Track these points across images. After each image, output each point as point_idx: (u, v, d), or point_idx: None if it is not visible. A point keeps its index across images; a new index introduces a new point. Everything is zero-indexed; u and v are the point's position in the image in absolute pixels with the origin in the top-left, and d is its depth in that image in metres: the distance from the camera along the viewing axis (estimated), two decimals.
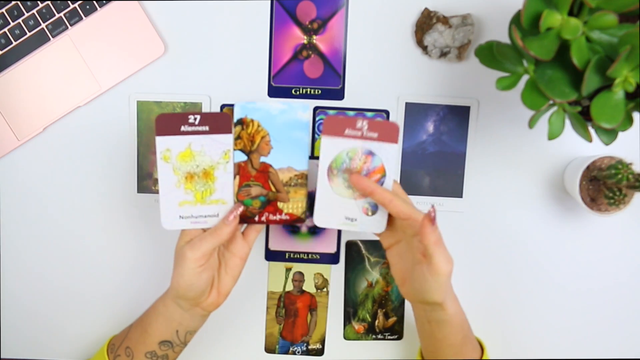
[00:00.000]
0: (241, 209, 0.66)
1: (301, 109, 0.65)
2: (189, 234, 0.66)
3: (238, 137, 0.65)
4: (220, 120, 0.65)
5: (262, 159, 0.66)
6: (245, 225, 0.69)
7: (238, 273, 0.68)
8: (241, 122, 0.65)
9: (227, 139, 0.65)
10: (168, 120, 0.64)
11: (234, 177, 0.66)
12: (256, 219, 0.67)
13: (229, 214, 0.65)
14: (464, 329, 0.68)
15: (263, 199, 0.66)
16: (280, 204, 0.67)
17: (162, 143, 0.65)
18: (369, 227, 0.66)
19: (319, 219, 0.66)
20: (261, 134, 0.65)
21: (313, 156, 0.81)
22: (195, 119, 0.64)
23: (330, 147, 0.64)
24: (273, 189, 0.66)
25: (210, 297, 0.67)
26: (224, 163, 0.65)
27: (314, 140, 0.81)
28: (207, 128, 0.65)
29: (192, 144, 0.65)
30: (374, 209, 0.66)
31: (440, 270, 0.61)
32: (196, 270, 0.64)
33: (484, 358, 0.71)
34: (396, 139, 0.64)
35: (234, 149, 0.65)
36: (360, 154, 0.63)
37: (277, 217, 0.67)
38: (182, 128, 0.64)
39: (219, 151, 0.65)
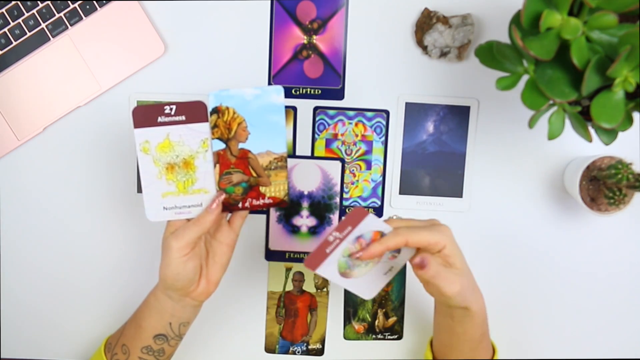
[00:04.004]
0: (223, 196, 0.66)
1: (275, 93, 0.65)
2: (174, 224, 0.66)
3: (215, 126, 0.65)
4: (195, 109, 0.65)
5: (241, 145, 0.66)
6: (230, 213, 0.69)
7: (226, 261, 0.68)
8: (216, 110, 0.65)
9: (204, 128, 0.65)
10: (145, 111, 0.64)
11: (214, 166, 0.66)
12: (240, 205, 0.67)
13: (212, 202, 0.65)
14: (484, 325, 0.68)
15: (245, 185, 0.67)
16: (262, 189, 0.67)
17: (141, 135, 0.65)
18: (404, 261, 0.66)
19: (368, 295, 0.65)
20: (237, 120, 0.65)
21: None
22: (171, 109, 0.64)
23: (327, 269, 0.61)
24: (254, 174, 0.67)
25: (199, 287, 0.67)
26: (203, 152, 0.66)
27: (314, 139, 0.81)
28: (183, 118, 0.65)
29: (170, 135, 0.65)
30: (396, 251, 0.65)
31: (448, 293, 0.61)
32: (181, 259, 0.64)
33: (495, 358, 0.71)
34: (365, 214, 0.61)
35: (212, 138, 0.65)
36: (352, 245, 0.61)
37: (260, 201, 0.67)
38: (159, 119, 0.65)
39: (197, 140, 0.65)
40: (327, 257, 0.59)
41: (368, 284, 0.64)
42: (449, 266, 0.62)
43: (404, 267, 0.83)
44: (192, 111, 0.65)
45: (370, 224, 0.60)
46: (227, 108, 0.65)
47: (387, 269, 0.65)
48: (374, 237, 0.61)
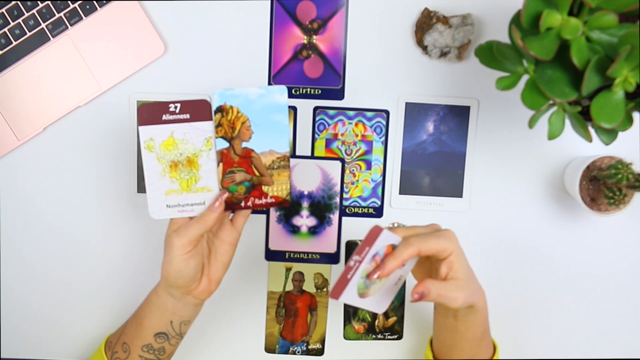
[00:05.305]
0: (226, 195, 0.66)
1: (279, 92, 0.65)
2: (177, 222, 0.67)
3: (219, 125, 0.65)
4: (200, 108, 0.65)
5: (244, 144, 0.66)
6: (232, 212, 0.69)
7: (228, 260, 0.68)
8: (220, 109, 0.65)
9: (208, 126, 0.66)
10: (150, 109, 0.65)
11: (218, 165, 0.66)
12: (242, 204, 0.67)
13: (215, 200, 0.66)
14: (486, 322, 0.68)
15: (248, 184, 0.67)
16: (265, 188, 0.67)
17: (145, 133, 0.65)
18: (411, 267, 0.66)
19: (380, 309, 0.65)
20: (241, 119, 0.65)
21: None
22: (176, 107, 0.65)
23: (348, 295, 0.60)
24: (257, 174, 0.67)
25: (201, 285, 0.68)
26: (207, 150, 0.66)
27: (314, 139, 0.81)
28: (188, 116, 0.65)
29: (174, 133, 0.65)
30: None
31: (453, 307, 0.62)
32: (183, 257, 0.64)
33: (495, 358, 0.71)
34: (379, 231, 0.60)
35: (216, 137, 0.66)
36: (369, 265, 0.61)
37: (263, 200, 0.67)
38: (164, 117, 0.65)
39: (201, 138, 0.66)
40: (348, 283, 0.59)
41: (381, 298, 0.65)
42: (451, 276, 0.62)
43: None
44: (197, 110, 0.65)
45: (384, 239, 0.60)
46: (231, 107, 0.65)
47: (397, 279, 0.65)
48: (387, 252, 0.61)
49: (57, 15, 0.78)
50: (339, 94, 0.81)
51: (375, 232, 0.60)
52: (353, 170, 0.82)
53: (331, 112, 0.81)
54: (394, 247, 0.61)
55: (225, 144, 0.66)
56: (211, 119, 0.65)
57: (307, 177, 0.82)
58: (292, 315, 0.84)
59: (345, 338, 0.84)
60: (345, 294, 0.59)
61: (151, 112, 0.65)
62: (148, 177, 0.66)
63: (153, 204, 0.67)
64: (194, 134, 0.65)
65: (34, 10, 0.78)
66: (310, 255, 0.82)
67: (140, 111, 0.65)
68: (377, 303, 0.64)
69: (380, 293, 0.64)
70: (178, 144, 0.66)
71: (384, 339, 0.84)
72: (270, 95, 0.65)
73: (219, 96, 0.65)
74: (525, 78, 0.62)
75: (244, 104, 0.65)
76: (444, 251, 0.61)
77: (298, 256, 0.83)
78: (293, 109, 0.81)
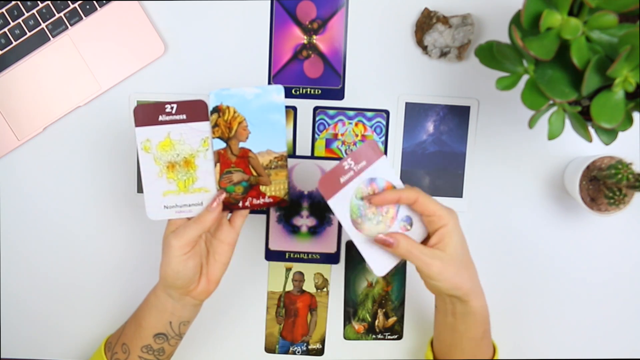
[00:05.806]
0: (224, 195, 0.66)
1: (275, 92, 0.65)
2: (175, 223, 0.67)
3: (215, 125, 0.65)
4: (196, 108, 0.65)
5: (241, 144, 0.66)
6: (230, 212, 0.69)
7: (227, 260, 0.68)
8: (217, 109, 0.65)
9: (205, 127, 0.66)
10: (146, 110, 0.65)
11: (215, 165, 0.66)
12: (240, 204, 0.67)
13: (212, 201, 0.66)
14: (486, 323, 0.69)
15: (245, 184, 0.67)
16: (262, 188, 0.67)
17: (142, 134, 0.65)
18: (415, 236, 0.66)
19: (379, 270, 0.65)
20: (238, 119, 0.65)
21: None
22: (172, 107, 0.65)
23: (339, 204, 0.62)
24: (254, 173, 0.67)
25: (200, 286, 0.68)
26: (204, 151, 0.66)
27: (314, 139, 0.81)
28: (184, 116, 0.65)
29: (171, 133, 0.65)
30: (408, 220, 0.65)
31: (425, 272, 0.62)
32: (182, 258, 0.64)
33: (495, 359, 0.71)
34: (380, 153, 0.62)
35: (213, 137, 0.66)
36: (365, 188, 0.62)
37: (261, 200, 0.68)
38: (160, 118, 0.65)
39: (197, 139, 0.66)
40: (341, 189, 0.59)
41: (381, 258, 0.64)
42: (437, 247, 0.62)
43: (405, 266, 0.83)
44: (193, 110, 0.65)
45: (384, 169, 0.61)
46: (228, 107, 0.65)
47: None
48: (387, 187, 0.61)
49: (57, 15, 0.78)
50: (339, 94, 0.81)
51: (374, 149, 0.60)
52: None
53: (331, 112, 0.81)
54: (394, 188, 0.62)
55: (222, 144, 0.66)
56: (208, 120, 0.65)
57: (307, 177, 0.82)
58: (292, 315, 0.84)
59: (345, 338, 0.84)
60: (336, 200, 0.59)
61: (147, 113, 0.65)
62: (145, 178, 0.66)
63: (150, 204, 0.67)
64: (191, 135, 0.65)
65: (34, 10, 0.78)
66: (310, 255, 0.82)
67: (136, 112, 0.65)
68: (376, 261, 0.64)
69: (381, 253, 0.64)
70: (175, 145, 0.66)
71: (384, 339, 0.84)
72: (266, 95, 0.65)
73: (216, 96, 0.65)
74: (525, 78, 0.62)
75: (240, 104, 0.65)
76: (440, 219, 0.61)
77: (298, 256, 0.83)
78: (293, 109, 0.81)
